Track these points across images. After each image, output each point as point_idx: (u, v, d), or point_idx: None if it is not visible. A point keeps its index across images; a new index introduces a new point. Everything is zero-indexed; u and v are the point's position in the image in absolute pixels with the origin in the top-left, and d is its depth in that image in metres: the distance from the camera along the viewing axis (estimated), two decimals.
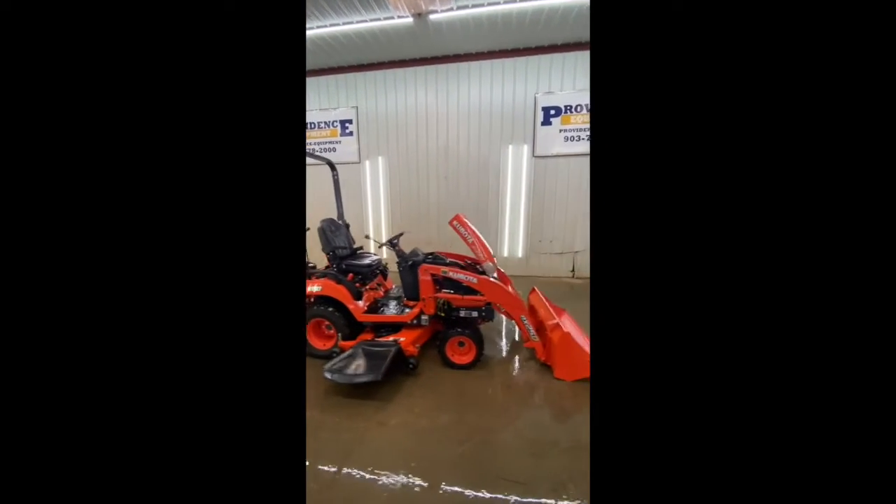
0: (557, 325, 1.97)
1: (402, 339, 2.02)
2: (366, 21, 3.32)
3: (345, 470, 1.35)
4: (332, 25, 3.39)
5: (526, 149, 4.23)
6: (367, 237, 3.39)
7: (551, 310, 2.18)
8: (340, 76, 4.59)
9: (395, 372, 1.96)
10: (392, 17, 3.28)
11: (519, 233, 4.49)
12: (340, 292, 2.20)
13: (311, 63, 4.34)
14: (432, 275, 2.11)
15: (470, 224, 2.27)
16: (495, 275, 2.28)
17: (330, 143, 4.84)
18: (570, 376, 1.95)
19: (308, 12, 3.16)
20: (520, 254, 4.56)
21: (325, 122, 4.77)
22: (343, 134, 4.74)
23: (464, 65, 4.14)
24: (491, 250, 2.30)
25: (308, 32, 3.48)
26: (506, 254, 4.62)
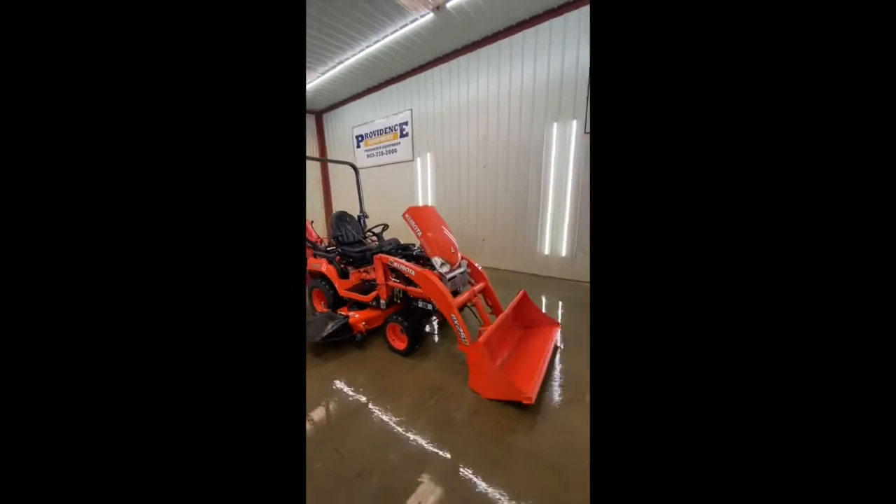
0: (480, 336, 1.72)
1: (355, 315, 2.25)
2: (397, 30, 3.62)
3: None
4: (375, 42, 3.88)
5: (574, 125, 3.51)
6: (364, 224, 3.25)
7: (502, 319, 1.90)
8: (397, 84, 5.14)
9: (347, 342, 2.25)
10: (416, 18, 3.44)
11: (563, 227, 3.80)
12: (330, 270, 2.64)
13: (372, 78, 5.07)
14: (384, 264, 2.22)
15: (431, 217, 2.25)
16: (461, 270, 2.16)
17: (391, 145, 5.51)
18: (481, 391, 1.67)
19: (353, 36, 3.75)
20: (563, 252, 3.86)
21: (388, 128, 5.45)
22: (401, 136, 5.30)
23: (503, 42, 3.83)
24: (454, 246, 2.20)
25: (362, 54, 4.12)
26: (546, 251, 4.01)
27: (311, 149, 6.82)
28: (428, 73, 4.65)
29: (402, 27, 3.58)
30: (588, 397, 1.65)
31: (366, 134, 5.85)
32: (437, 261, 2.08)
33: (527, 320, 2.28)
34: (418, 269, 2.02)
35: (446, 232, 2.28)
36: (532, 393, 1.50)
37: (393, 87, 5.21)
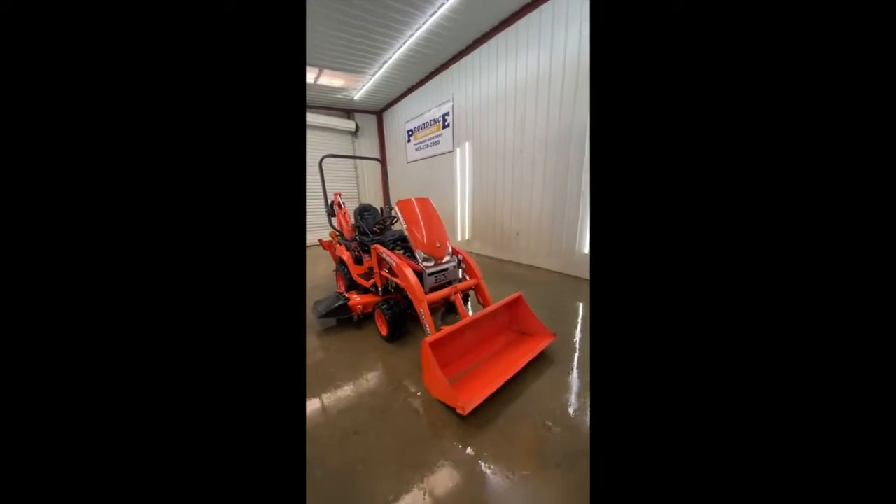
0: (435, 334, 1.65)
1: (354, 297, 2.46)
2: (427, 18, 3.60)
3: None
4: (410, 36, 3.96)
5: None
6: (387, 215, 3.45)
7: (470, 320, 1.77)
8: (440, 75, 5.12)
9: (346, 322, 2.53)
10: (442, 3, 3.35)
11: None
12: (349, 258, 2.94)
13: (418, 72, 5.19)
14: (377, 253, 2.34)
15: (421, 210, 2.24)
16: (450, 265, 2.13)
17: (435, 137, 5.58)
18: (429, 389, 1.61)
19: (390, 34, 3.91)
20: None
21: (433, 120, 5.53)
22: (444, 126, 5.32)
23: (545, 6, 3.37)
24: (440, 240, 2.17)
25: (401, 49, 4.27)
26: (586, 250, 3.46)
27: (372, 146, 7.50)
28: (467, 58, 4.49)
29: (431, 14, 3.54)
30: (541, 423, 1.42)
31: (415, 128, 6.09)
32: (419, 254, 2.09)
33: (524, 325, 2.07)
34: (398, 260, 2.06)
35: (435, 226, 2.25)
36: (468, 405, 1.39)
37: (437, 78, 5.23)
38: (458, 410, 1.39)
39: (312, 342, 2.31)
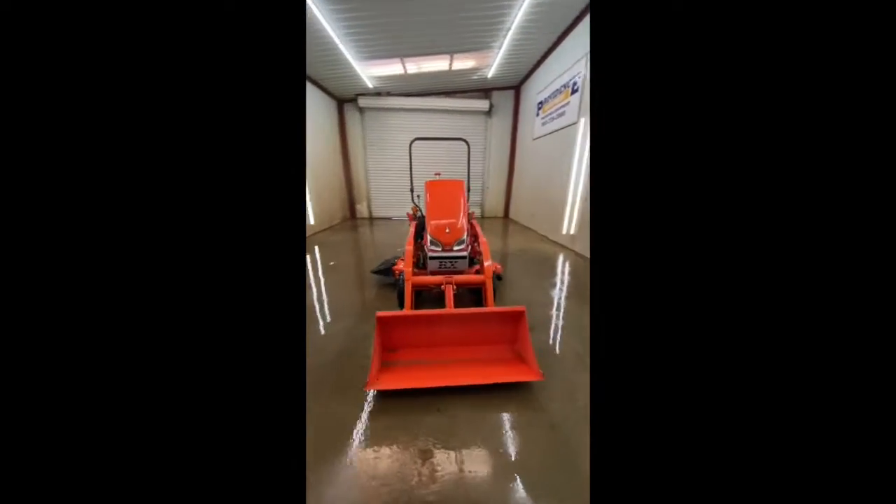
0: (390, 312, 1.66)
1: (400, 264, 2.81)
2: None
3: None
4: None
5: None
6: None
7: (439, 313, 1.67)
8: (573, 31, 4.22)
9: (393, 284, 2.94)
10: None
11: None
12: (411, 231, 3.35)
13: (546, 32, 4.49)
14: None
15: (447, 193, 2.22)
16: (458, 255, 2.07)
17: (561, 107, 4.79)
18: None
19: None
20: None
21: (562, 86, 4.73)
22: (572, 92, 4.46)
23: None
24: (450, 227, 2.10)
25: (522, 9, 3.88)
26: None
27: (505, 124, 7.34)
28: None
29: None
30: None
31: (544, 99, 5.44)
32: (428, 238, 2.11)
33: (516, 346, 1.76)
34: (410, 238, 2.17)
35: (452, 212, 2.16)
36: (375, 384, 1.46)
37: (569, 37, 4.36)
38: (368, 384, 1.46)
39: (369, 291, 2.90)
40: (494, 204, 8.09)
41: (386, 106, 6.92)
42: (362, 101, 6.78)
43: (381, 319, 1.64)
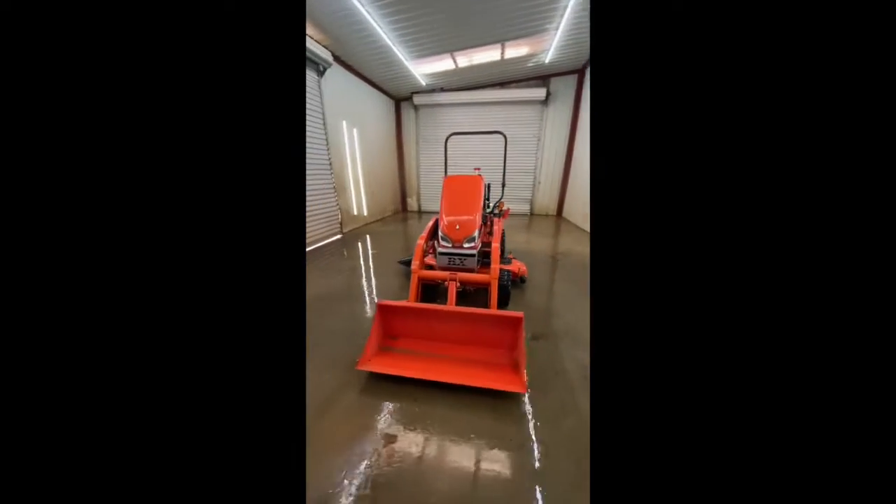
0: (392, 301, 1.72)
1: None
2: None
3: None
4: None
5: None
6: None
7: (436, 308, 1.69)
8: None
9: None
10: None
11: None
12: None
13: None
14: None
15: (464, 189, 2.19)
16: (467, 253, 2.05)
17: None
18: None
19: None
20: None
21: None
22: None
23: None
24: (460, 224, 2.07)
25: None
26: None
27: (564, 112, 6.72)
28: None
29: None
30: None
31: None
32: (440, 234, 2.11)
33: (510, 352, 1.68)
34: (424, 234, 2.22)
35: (465, 209, 2.11)
36: (367, 365, 1.57)
37: None
38: (360, 364, 1.57)
39: (400, 278, 3.09)
40: (546, 201, 7.55)
41: (439, 102, 7.05)
42: (417, 99, 7.05)
43: (380, 307, 1.75)
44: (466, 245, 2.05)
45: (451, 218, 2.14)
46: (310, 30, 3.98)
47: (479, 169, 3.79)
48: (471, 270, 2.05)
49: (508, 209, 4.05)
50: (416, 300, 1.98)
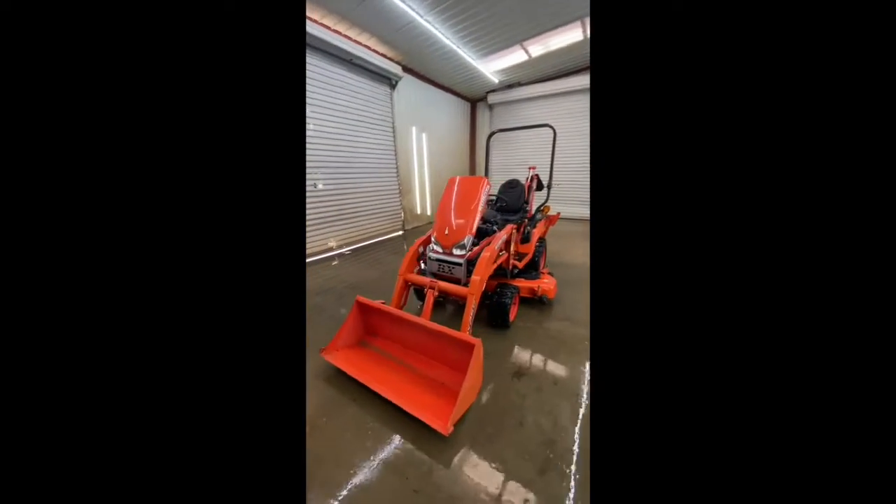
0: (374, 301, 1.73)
1: None
2: None
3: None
4: None
5: None
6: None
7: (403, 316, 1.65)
8: None
9: None
10: None
11: None
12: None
13: None
14: None
15: (463, 192, 2.03)
16: (455, 261, 1.90)
17: None
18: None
19: None
20: None
21: None
22: None
23: None
24: (451, 228, 1.93)
25: None
26: None
27: None
28: None
29: None
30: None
31: None
32: (432, 238, 2.02)
33: (455, 378, 1.51)
34: (424, 237, 2.15)
35: (459, 213, 1.95)
36: (331, 355, 1.66)
37: None
38: (323, 350, 1.69)
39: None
40: None
41: (512, 98, 6.72)
42: (491, 98, 6.90)
43: (358, 303, 1.83)
44: (456, 252, 1.90)
45: (444, 221, 2.02)
46: (381, 47, 4.45)
47: (533, 168, 3.43)
48: (458, 281, 1.89)
49: (557, 214, 3.51)
50: (400, 304, 1.98)
